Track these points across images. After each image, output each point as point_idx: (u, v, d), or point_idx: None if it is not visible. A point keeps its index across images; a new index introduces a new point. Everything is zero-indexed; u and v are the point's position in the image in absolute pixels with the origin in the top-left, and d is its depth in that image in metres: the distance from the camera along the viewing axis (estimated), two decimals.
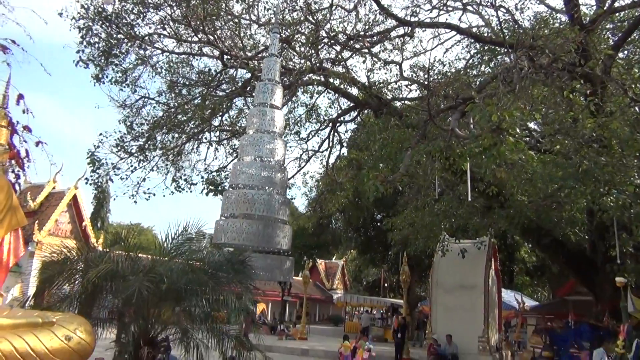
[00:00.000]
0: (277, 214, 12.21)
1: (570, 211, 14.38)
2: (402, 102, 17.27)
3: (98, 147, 16.49)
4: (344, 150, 23.18)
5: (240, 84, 17.30)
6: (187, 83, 17.20)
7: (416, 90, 18.75)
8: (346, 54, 17.23)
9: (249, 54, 17.02)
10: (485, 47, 16.51)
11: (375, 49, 17.23)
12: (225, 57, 16.59)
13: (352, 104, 19.33)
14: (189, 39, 16.69)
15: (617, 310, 16.32)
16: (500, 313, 20.85)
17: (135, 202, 17.92)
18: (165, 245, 6.49)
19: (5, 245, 4.80)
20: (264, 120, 12.36)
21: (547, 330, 15.16)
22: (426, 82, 14.14)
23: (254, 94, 16.16)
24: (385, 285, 45.01)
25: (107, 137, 16.55)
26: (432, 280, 19.86)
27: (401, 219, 19.19)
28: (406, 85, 18.69)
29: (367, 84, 16.75)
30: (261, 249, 11.80)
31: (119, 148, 16.46)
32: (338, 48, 16.62)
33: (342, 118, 20.04)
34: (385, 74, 20.81)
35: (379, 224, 35.97)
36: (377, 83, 17.84)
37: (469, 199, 9.94)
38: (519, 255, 35.74)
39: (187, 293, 5.59)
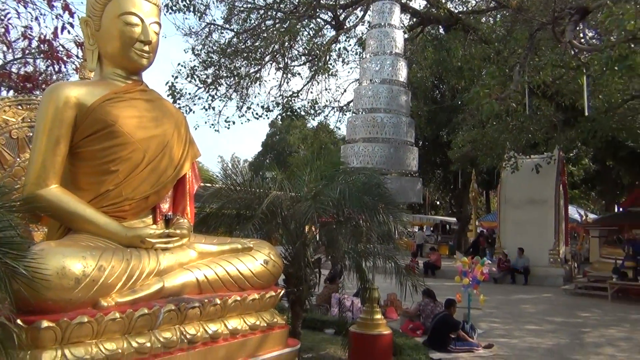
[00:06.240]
0: (406, 137, 12.18)
1: None
2: (476, 15, 16.56)
3: (176, 77, 16.64)
4: None
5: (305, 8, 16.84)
6: (249, 7, 16.80)
7: (488, 2, 17.84)
8: None
9: None
10: None
11: None
12: None
13: (415, 21, 18.72)
14: None
15: None
16: (567, 226, 21.00)
17: (217, 130, 18.32)
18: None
19: (188, 177, 4.95)
20: (384, 41, 12.01)
21: (629, 241, 15.24)
22: None
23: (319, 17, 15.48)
24: (437, 203, 45.52)
25: (184, 67, 16.66)
26: (501, 197, 19.94)
27: (466, 136, 19.03)
28: None
29: None
30: (393, 171, 11.98)
31: (193, 78, 16.55)
32: None
33: (405, 36, 19.47)
34: None
35: (427, 142, 35.75)
36: None
37: (587, 113, 9.72)
38: (568, 169, 35.46)
39: (350, 216, 5.81)
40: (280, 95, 19.15)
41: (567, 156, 21.74)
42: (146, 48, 4.38)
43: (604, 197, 35.24)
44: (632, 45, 7.24)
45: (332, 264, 9.95)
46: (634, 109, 14.95)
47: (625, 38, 7.13)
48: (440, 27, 18.53)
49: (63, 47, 9.77)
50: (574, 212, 25.11)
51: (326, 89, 43.94)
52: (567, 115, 14.99)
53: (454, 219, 35.52)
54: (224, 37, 17.71)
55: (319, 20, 19.26)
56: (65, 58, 9.55)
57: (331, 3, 17.68)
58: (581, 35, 9.72)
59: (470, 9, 18.12)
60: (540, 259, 18.34)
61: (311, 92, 20.56)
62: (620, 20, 6.92)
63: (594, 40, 12.08)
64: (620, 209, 26.03)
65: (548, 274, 17.91)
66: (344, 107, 21.49)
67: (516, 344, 8.83)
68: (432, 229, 39.17)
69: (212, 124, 18.71)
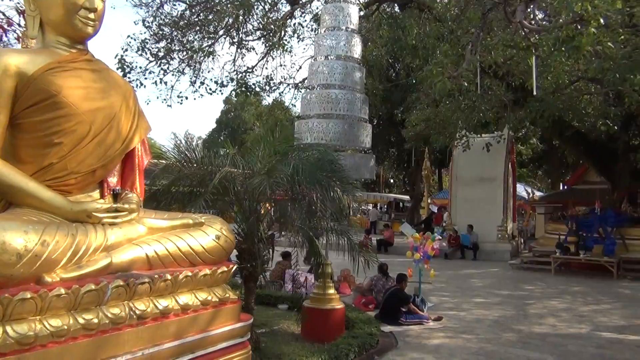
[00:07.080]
0: (360, 113, 12.12)
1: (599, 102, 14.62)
2: None
3: (126, 50, 16.07)
4: None
5: None
6: None
7: None
8: None
9: None
10: None
11: None
12: None
13: None
14: None
15: (634, 197, 17.11)
16: (514, 203, 21.68)
17: (169, 106, 17.92)
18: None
19: (138, 151, 4.82)
20: (339, 16, 11.82)
21: (572, 217, 15.89)
22: None
23: None
24: (392, 181, 46.06)
25: (134, 40, 16.08)
26: (452, 175, 20.40)
27: (420, 115, 19.31)
28: None
29: None
30: (346, 148, 11.97)
31: (143, 51, 16.04)
32: None
33: (361, 14, 19.42)
34: None
35: (382, 121, 35.99)
36: None
37: (535, 93, 9.98)
38: (517, 148, 36.59)
39: (304, 192, 5.79)
40: (234, 71, 18.88)
41: (516, 135, 22.37)
42: (91, 16, 4.18)
43: (550, 175, 36.57)
44: (579, 27, 7.47)
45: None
46: (580, 89, 15.46)
47: (572, 19, 7.35)
48: (395, 5, 18.57)
49: (3, 14, 9.28)
50: (521, 189, 26.01)
51: (281, 65, 43.14)
52: (516, 95, 15.35)
53: (407, 197, 36.11)
54: (176, 9, 17.29)
55: None
56: (5, 26, 9.08)
57: None
58: (531, 16, 9.93)
59: None
60: (489, 234, 18.96)
61: (266, 69, 20.43)
62: (568, 2, 7.11)
63: (544, 22, 12.35)
64: (565, 187, 27.13)
65: (496, 249, 18.53)
66: (299, 84, 21.35)
67: (464, 316, 9.12)
68: (385, 206, 39.74)
69: (165, 99, 18.38)
